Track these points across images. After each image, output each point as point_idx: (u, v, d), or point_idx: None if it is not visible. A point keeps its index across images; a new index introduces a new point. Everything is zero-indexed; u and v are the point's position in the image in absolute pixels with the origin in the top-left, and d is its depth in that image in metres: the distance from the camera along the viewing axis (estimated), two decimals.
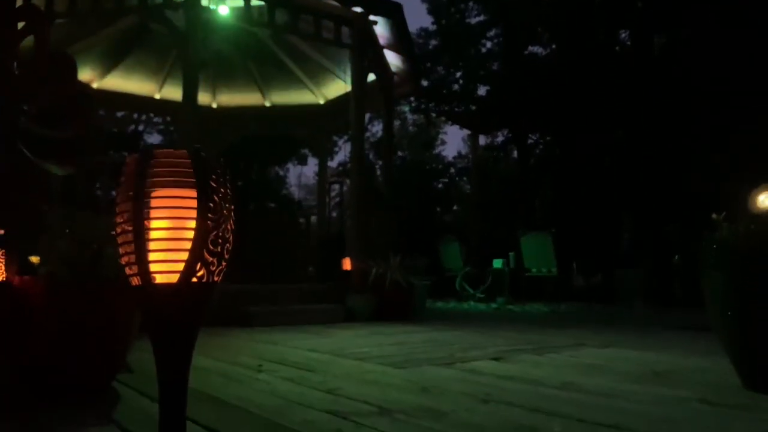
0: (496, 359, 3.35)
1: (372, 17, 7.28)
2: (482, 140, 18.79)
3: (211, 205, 0.76)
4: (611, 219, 13.27)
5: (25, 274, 2.42)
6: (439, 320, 6.35)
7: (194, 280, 0.74)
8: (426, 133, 22.47)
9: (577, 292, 11.72)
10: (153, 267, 0.74)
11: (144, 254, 0.73)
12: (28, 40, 5.15)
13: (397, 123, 20.97)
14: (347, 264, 6.88)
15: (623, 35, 14.04)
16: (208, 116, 9.67)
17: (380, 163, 19.64)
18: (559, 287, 9.63)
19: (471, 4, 17.26)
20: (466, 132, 20.52)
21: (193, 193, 0.75)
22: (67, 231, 2.86)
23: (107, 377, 2.44)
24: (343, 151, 21.74)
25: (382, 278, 6.49)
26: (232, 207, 0.80)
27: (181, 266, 0.74)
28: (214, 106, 10.18)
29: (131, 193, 0.74)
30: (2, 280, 2.33)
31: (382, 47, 7.92)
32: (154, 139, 20.33)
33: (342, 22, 7.10)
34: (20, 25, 5.32)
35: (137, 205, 0.74)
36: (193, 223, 0.75)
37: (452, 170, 20.99)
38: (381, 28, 7.56)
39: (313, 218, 13.23)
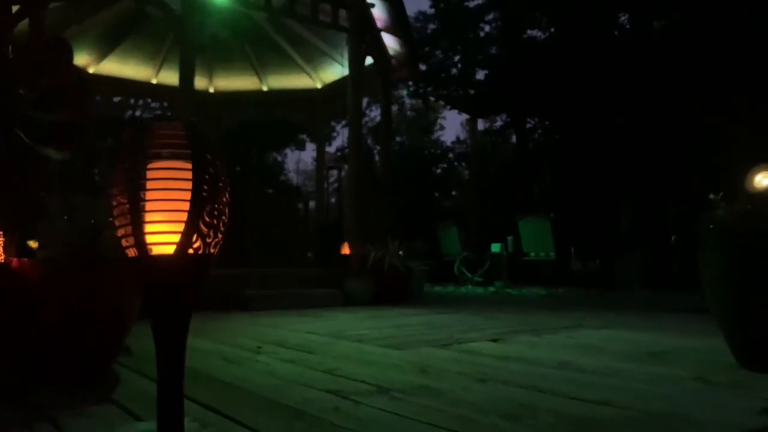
0: (493, 340, 3.37)
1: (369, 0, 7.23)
2: (481, 125, 18.75)
3: (207, 177, 0.76)
4: (610, 204, 13.30)
5: (23, 257, 2.42)
6: (438, 304, 6.38)
7: (190, 251, 0.75)
8: (424, 118, 22.40)
9: (575, 276, 11.77)
10: (149, 239, 0.74)
11: (140, 226, 0.74)
12: (23, 24, 5.12)
13: (395, 108, 20.89)
14: (346, 249, 6.89)
15: (622, 18, 13.96)
16: (206, 101, 9.63)
17: (378, 148, 19.60)
18: (557, 271, 9.67)
19: None
20: (464, 117, 20.46)
21: (189, 165, 0.75)
22: (66, 215, 2.86)
23: (107, 359, 2.46)
24: (341, 137, 21.67)
25: (380, 263, 6.51)
26: (228, 180, 0.80)
27: (177, 238, 0.74)
28: (211, 90, 10.13)
29: (127, 165, 0.75)
30: (1, 263, 2.34)
31: (380, 30, 7.86)
32: None
33: (339, 4, 7.05)
34: (15, 8, 5.27)
35: (133, 177, 0.74)
36: (188, 195, 0.75)
37: (451, 155, 20.95)
38: (378, 11, 7.52)
39: (312, 204, 13.23)
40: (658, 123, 11.20)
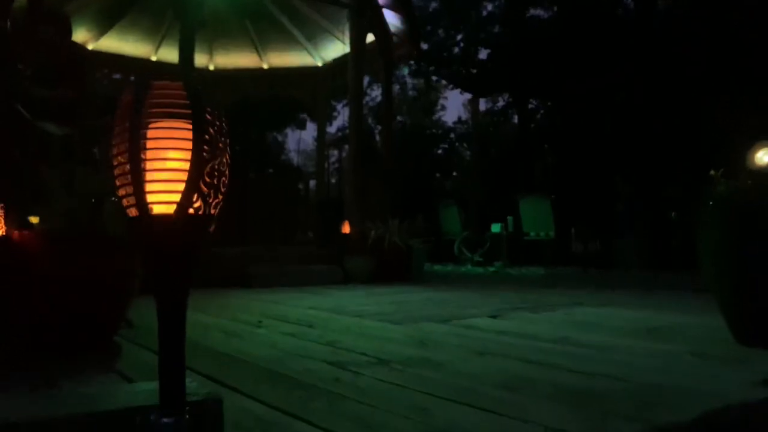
0: (492, 317, 3.39)
1: None
2: (483, 105, 18.67)
3: (207, 137, 0.76)
4: (610, 185, 13.28)
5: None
6: (437, 282, 6.41)
7: (191, 211, 0.75)
8: (426, 98, 22.28)
9: (574, 257, 11.79)
10: (150, 198, 0.74)
11: (141, 185, 0.74)
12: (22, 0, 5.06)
13: (396, 88, 20.77)
14: (346, 227, 6.91)
15: None
16: (206, 78, 9.57)
17: (379, 128, 19.52)
18: (557, 251, 9.70)
19: None
20: (466, 97, 20.35)
21: (189, 124, 0.75)
22: (66, 188, 2.86)
23: (109, 331, 2.48)
24: (341, 116, 21.61)
25: (380, 241, 6.53)
26: (228, 141, 0.80)
27: (177, 197, 0.75)
28: (211, 68, 10.06)
29: (127, 124, 0.75)
30: (1, 235, 2.35)
31: (381, 7, 7.79)
32: None
33: None
34: None
35: (133, 136, 0.74)
36: (188, 155, 0.75)
37: (452, 136, 20.88)
38: None
39: (312, 184, 13.22)
40: (660, 102, 11.13)
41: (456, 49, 17.66)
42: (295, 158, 28.68)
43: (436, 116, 22.70)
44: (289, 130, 24.09)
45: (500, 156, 16.99)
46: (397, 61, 10.48)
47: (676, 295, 4.84)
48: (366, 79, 16.68)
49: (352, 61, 7.25)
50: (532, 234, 9.20)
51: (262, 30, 9.46)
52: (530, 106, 16.81)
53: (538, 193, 10.05)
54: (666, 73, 11.00)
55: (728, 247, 2.41)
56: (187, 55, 5.84)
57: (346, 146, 10.28)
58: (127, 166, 0.74)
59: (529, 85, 14.94)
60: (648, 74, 11.33)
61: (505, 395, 1.69)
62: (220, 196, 0.79)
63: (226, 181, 0.80)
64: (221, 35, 9.38)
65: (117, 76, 9.85)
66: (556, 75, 13.49)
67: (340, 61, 8.98)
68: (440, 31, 17.74)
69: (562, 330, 2.91)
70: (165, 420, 0.73)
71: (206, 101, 0.77)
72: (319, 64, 9.89)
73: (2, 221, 2.34)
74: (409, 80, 22.27)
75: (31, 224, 2.60)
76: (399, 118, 21.10)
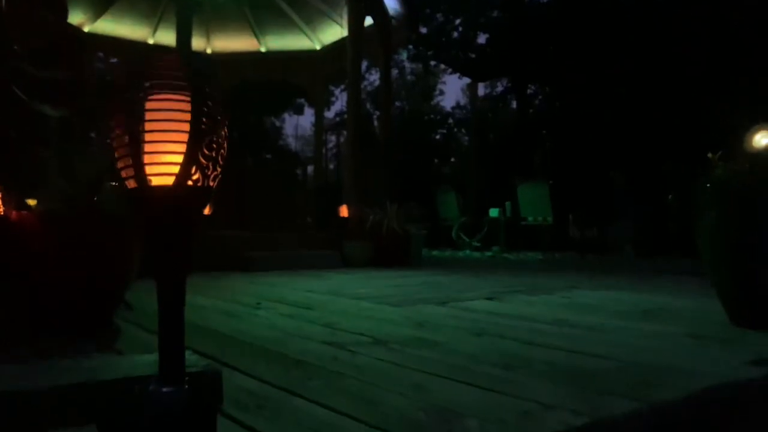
0: (490, 299, 3.41)
1: None
2: (481, 91, 18.60)
3: (205, 109, 0.76)
4: (609, 171, 13.26)
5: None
6: (435, 267, 6.43)
7: (189, 183, 0.76)
8: (424, 83, 22.18)
9: (572, 242, 11.81)
10: (149, 170, 0.75)
11: (139, 157, 0.74)
12: None
13: (394, 72, 20.67)
14: (344, 211, 6.91)
15: None
16: (208, 57, 9.51)
17: (377, 113, 19.46)
18: (554, 237, 9.71)
19: None
20: (465, 82, 20.27)
21: (187, 97, 0.75)
22: (64, 170, 2.86)
23: (107, 312, 2.49)
24: (339, 101, 21.51)
25: (378, 226, 6.54)
26: (226, 114, 0.81)
27: (176, 169, 0.75)
28: (209, 51, 10.00)
29: (126, 96, 0.75)
30: (0, 215, 2.35)
31: None
32: None
33: None
34: None
35: (132, 108, 0.74)
36: (187, 128, 0.75)
37: (451, 121, 20.82)
38: None
39: (310, 169, 13.19)
40: (659, 85, 11.10)
41: (455, 34, 17.56)
42: (293, 144, 28.60)
43: (435, 101, 22.63)
44: (287, 115, 24.01)
45: (499, 142, 16.96)
46: (396, 45, 10.42)
47: (673, 280, 4.86)
48: (364, 64, 16.60)
49: (350, 44, 7.22)
50: (530, 219, 9.22)
51: (260, 13, 9.40)
52: (529, 91, 16.75)
53: (536, 178, 10.05)
54: (666, 67, 10.95)
55: (725, 229, 2.42)
56: (184, 37, 5.80)
57: (345, 131, 10.26)
58: (126, 138, 0.74)
59: (528, 70, 14.87)
60: (646, 58, 11.28)
61: (501, 374, 1.70)
62: (219, 169, 0.79)
63: (225, 154, 0.80)
64: (219, 18, 9.31)
65: (114, 60, 9.79)
66: (555, 60, 13.43)
67: (338, 45, 8.93)
68: (439, 15, 17.61)
69: (558, 312, 2.93)
70: (164, 389, 0.73)
71: (204, 75, 0.77)
72: (317, 47, 9.83)
73: (0, 202, 2.34)
74: (407, 65, 22.16)
75: (29, 206, 2.61)
76: (397, 103, 21.02)
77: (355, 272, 5.46)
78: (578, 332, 2.38)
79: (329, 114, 20.95)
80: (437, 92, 22.89)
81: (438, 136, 20.62)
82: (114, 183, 2.78)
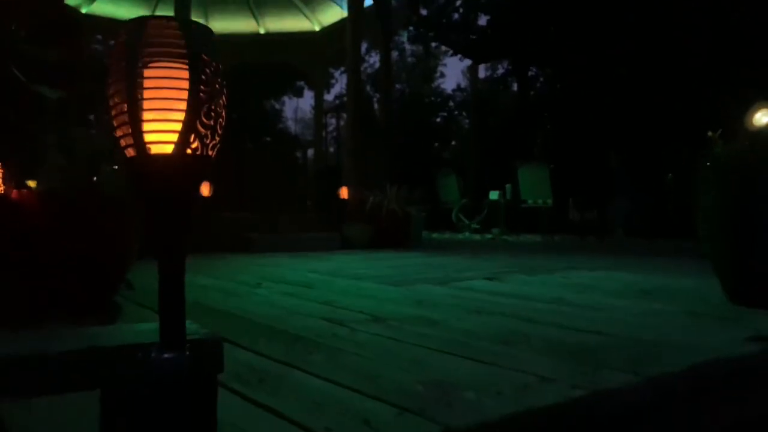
0: (489, 279, 3.43)
1: None
2: (482, 73, 18.49)
3: (203, 77, 0.76)
4: (609, 154, 13.23)
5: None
6: (435, 248, 6.45)
7: (188, 151, 0.76)
8: (425, 65, 22.05)
9: (572, 225, 11.83)
10: (147, 138, 0.75)
11: (138, 125, 0.74)
12: None
13: (395, 54, 20.53)
14: (344, 193, 6.91)
15: None
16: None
17: (378, 96, 19.37)
18: (554, 219, 9.71)
19: None
20: (465, 65, 20.15)
21: (185, 65, 0.75)
22: (64, 149, 2.86)
23: (109, 291, 2.50)
24: (339, 84, 21.41)
25: (378, 208, 6.55)
26: (224, 83, 0.80)
27: (175, 137, 0.75)
28: None
29: (123, 64, 0.75)
30: (0, 194, 2.35)
31: None
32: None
33: None
34: None
35: (130, 75, 0.74)
36: (185, 95, 0.75)
37: (451, 104, 20.73)
38: None
39: (310, 152, 13.15)
40: (660, 74, 11.03)
41: (456, 15, 17.39)
42: (292, 127, 28.51)
43: (435, 84, 22.50)
44: (286, 98, 23.90)
45: (499, 124, 16.89)
46: (396, 26, 10.35)
47: (672, 260, 4.88)
48: (364, 45, 16.48)
49: (349, 25, 7.16)
50: (530, 202, 9.22)
51: None
52: (530, 73, 16.65)
53: (536, 161, 10.02)
54: (666, 56, 10.87)
55: (724, 207, 2.42)
56: (183, 18, 5.74)
57: (345, 114, 10.22)
58: (125, 106, 0.74)
59: (529, 52, 14.76)
60: (647, 39, 11.20)
61: (499, 348, 1.72)
62: (217, 138, 0.79)
63: (223, 123, 0.81)
64: None
65: (113, 42, 9.70)
66: (556, 41, 13.32)
67: (337, 26, 8.86)
68: None
69: (557, 291, 2.94)
70: (166, 355, 0.74)
71: (203, 42, 0.77)
72: (317, 29, 9.76)
73: (0, 180, 2.34)
74: (407, 46, 22.01)
75: (30, 187, 2.61)
76: (398, 85, 20.92)
77: (354, 254, 5.48)
78: (576, 310, 2.40)
79: (329, 97, 20.85)
80: (438, 74, 22.77)
81: (438, 119, 20.54)
82: (114, 167, 2.78)
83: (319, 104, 11.34)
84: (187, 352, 0.77)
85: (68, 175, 2.55)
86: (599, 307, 2.50)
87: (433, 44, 18.87)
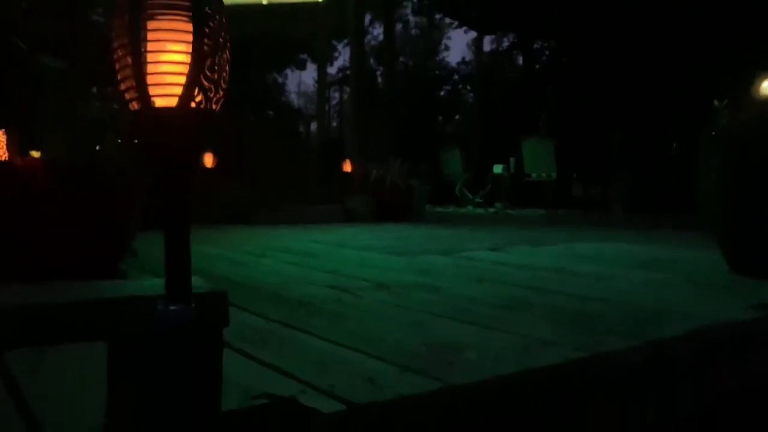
0: (492, 250, 3.44)
1: None
2: (487, 46, 18.28)
3: (207, 30, 0.76)
4: (612, 129, 13.13)
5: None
6: (438, 221, 6.45)
7: (192, 104, 0.76)
8: (429, 38, 21.79)
9: (575, 200, 11.81)
10: (152, 91, 0.75)
11: (143, 77, 0.74)
12: None
13: (399, 27, 20.29)
14: (347, 166, 6.90)
15: None
16: None
17: (381, 69, 19.19)
18: (558, 194, 9.70)
19: None
20: (470, 37, 19.89)
21: (188, 17, 0.75)
22: (66, 119, 2.86)
23: (113, 258, 2.52)
24: (342, 56, 21.17)
25: (381, 181, 6.54)
26: (228, 37, 0.80)
27: (179, 90, 0.75)
28: None
29: (127, 17, 0.74)
30: (4, 160, 2.35)
31: None
32: None
33: None
34: None
35: (133, 28, 0.74)
36: (189, 48, 0.75)
37: (456, 77, 20.55)
38: None
39: (313, 126, 13.09)
40: (660, 47, 10.89)
41: None
42: (295, 100, 28.33)
43: (440, 57, 22.28)
44: (288, 71, 23.70)
45: (504, 98, 16.76)
46: None
47: (674, 234, 4.88)
48: (367, 17, 16.28)
49: None
50: (533, 176, 9.20)
51: None
52: (535, 46, 16.46)
53: (541, 135, 9.97)
54: (667, 35, 10.71)
55: (728, 177, 2.41)
56: None
57: (348, 87, 10.15)
58: (129, 59, 0.74)
59: (534, 24, 14.58)
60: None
61: (501, 314, 1.73)
62: (221, 92, 0.79)
63: (227, 77, 0.80)
64: None
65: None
66: (562, 13, 13.13)
67: None
68: None
69: (560, 262, 2.95)
70: (172, 307, 0.75)
71: None
72: (319, 0, 9.63)
73: (4, 146, 2.34)
74: (411, 18, 21.73)
75: (33, 157, 2.61)
76: (401, 58, 20.71)
77: (358, 226, 5.50)
78: (579, 279, 2.41)
79: (332, 70, 20.65)
80: (442, 47, 22.53)
81: (442, 93, 20.39)
82: (118, 139, 2.78)
83: (322, 77, 11.24)
84: (193, 305, 0.77)
85: (71, 144, 2.55)
86: (601, 276, 2.51)
87: (438, 16, 18.62)
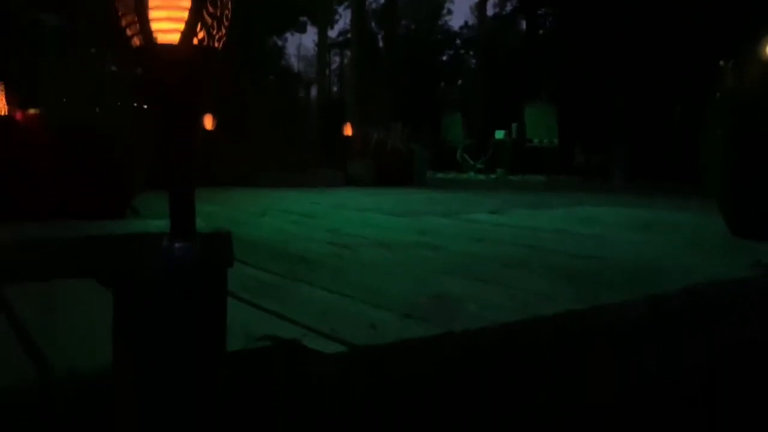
0: (492, 213, 3.44)
1: None
2: (490, 11, 17.98)
3: None
4: (616, 95, 13.00)
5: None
6: (439, 186, 6.45)
7: (195, 41, 0.75)
8: (431, 0, 21.42)
9: (577, 167, 11.77)
10: (154, 26, 0.74)
11: (145, 12, 0.73)
12: None
13: None
14: (348, 130, 6.86)
15: None
16: None
17: (382, 33, 18.90)
18: (559, 161, 9.66)
19: None
20: (473, 1, 19.53)
21: None
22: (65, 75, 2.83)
23: (114, 216, 2.52)
24: (343, 20, 20.83)
25: (382, 145, 6.51)
26: None
27: (181, 26, 0.74)
28: None
29: None
30: (4, 115, 2.34)
31: None
32: None
33: None
34: None
35: None
36: None
37: (458, 41, 20.26)
38: None
39: (313, 91, 12.97)
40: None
41: None
42: (295, 64, 27.97)
43: (442, 21, 21.92)
44: (288, 35, 23.34)
45: (506, 63, 16.56)
46: None
47: (675, 199, 4.88)
48: None
49: None
50: (535, 141, 9.15)
51: None
52: (539, 12, 16.18)
53: (543, 100, 9.88)
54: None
55: (731, 140, 2.40)
56: None
57: (349, 51, 10.02)
58: None
59: None
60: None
61: (501, 270, 1.75)
62: (224, 30, 0.78)
63: (229, 16, 0.79)
64: None
65: None
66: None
67: None
68: None
69: (560, 223, 2.96)
70: (176, 244, 0.76)
71: None
72: None
73: (3, 100, 2.32)
74: None
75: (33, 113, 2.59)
76: (403, 22, 20.38)
77: (358, 189, 5.50)
78: (579, 239, 2.42)
79: (332, 33, 20.34)
80: (445, 11, 22.15)
81: (445, 57, 20.13)
82: (117, 102, 2.75)
83: (322, 41, 11.08)
84: (198, 243, 0.78)
85: (69, 103, 2.53)
86: (601, 237, 2.52)
87: None
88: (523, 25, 16.98)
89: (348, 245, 2.10)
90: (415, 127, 7.00)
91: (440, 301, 1.35)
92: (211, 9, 0.75)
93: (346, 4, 17.75)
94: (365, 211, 3.39)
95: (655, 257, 2.06)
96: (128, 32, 0.75)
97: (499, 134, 9.34)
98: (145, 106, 2.42)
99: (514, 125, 9.39)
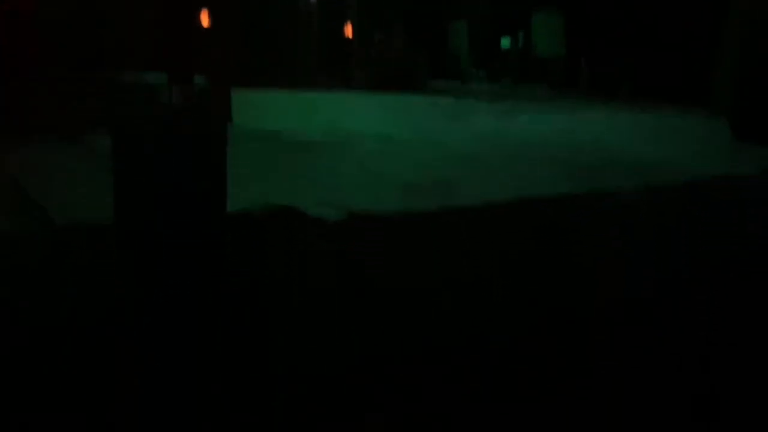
0: (496, 117, 3.38)
1: None
2: None
3: None
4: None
5: None
6: (442, 93, 6.31)
7: None
8: None
9: (583, 80, 11.47)
10: None
11: None
12: None
13: None
14: (349, 31, 6.62)
15: None
16: None
17: None
18: (566, 72, 9.39)
19: None
20: None
21: None
22: None
23: None
24: None
25: (383, 48, 6.31)
26: None
27: None
28: None
29: None
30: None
31: None
32: None
33: None
34: None
35: None
36: None
37: None
38: None
39: None
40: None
41: None
42: None
43: None
44: None
45: None
46: None
47: (682, 111, 4.78)
48: None
49: None
50: (540, 48, 8.85)
51: None
52: None
53: (552, 7, 9.47)
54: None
55: (741, 53, 2.33)
56: None
57: None
58: None
59: None
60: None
61: (503, 162, 1.74)
62: None
63: None
64: None
65: None
66: None
67: None
68: None
69: (562, 125, 2.93)
70: (176, 90, 0.74)
71: None
72: None
73: None
74: None
75: None
76: None
77: (359, 92, 5.39)
78: (584, 138, 2.40)
79: None
80: None
81: None
82: None
83: None
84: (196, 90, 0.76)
85: None
86: (606, 140, 2.49)
87: None
88: None
89: (349, 135, 2.09)
90: (419, 33, 6.75)
91: (441, 184, 1.35)
92: None
93: None
94: (364, 109, 3.34)
95: (657, 155, 2.05)
96: None
97: (505, 42, 9.03)
98: None
99: (520, 33, 9.05)
